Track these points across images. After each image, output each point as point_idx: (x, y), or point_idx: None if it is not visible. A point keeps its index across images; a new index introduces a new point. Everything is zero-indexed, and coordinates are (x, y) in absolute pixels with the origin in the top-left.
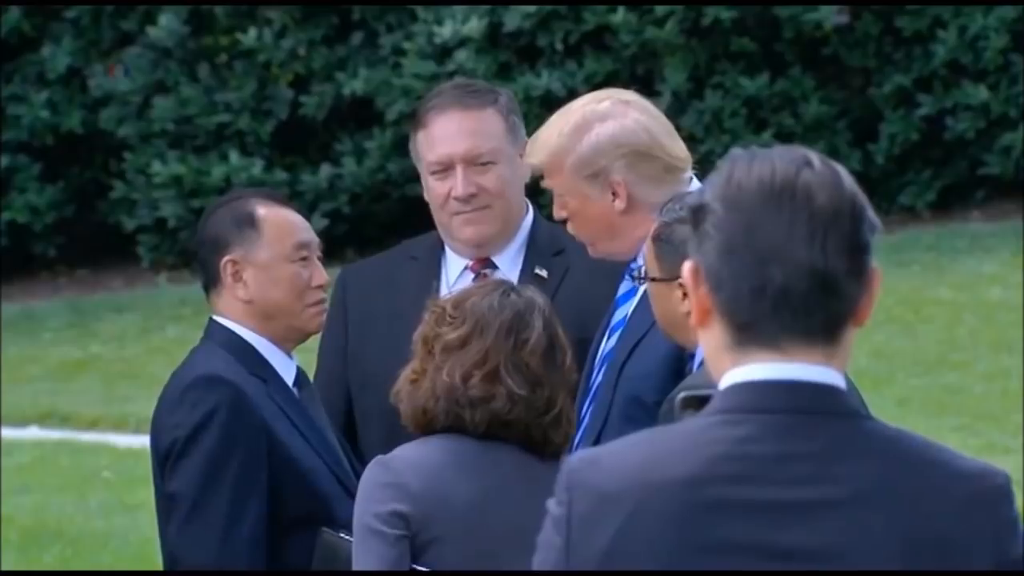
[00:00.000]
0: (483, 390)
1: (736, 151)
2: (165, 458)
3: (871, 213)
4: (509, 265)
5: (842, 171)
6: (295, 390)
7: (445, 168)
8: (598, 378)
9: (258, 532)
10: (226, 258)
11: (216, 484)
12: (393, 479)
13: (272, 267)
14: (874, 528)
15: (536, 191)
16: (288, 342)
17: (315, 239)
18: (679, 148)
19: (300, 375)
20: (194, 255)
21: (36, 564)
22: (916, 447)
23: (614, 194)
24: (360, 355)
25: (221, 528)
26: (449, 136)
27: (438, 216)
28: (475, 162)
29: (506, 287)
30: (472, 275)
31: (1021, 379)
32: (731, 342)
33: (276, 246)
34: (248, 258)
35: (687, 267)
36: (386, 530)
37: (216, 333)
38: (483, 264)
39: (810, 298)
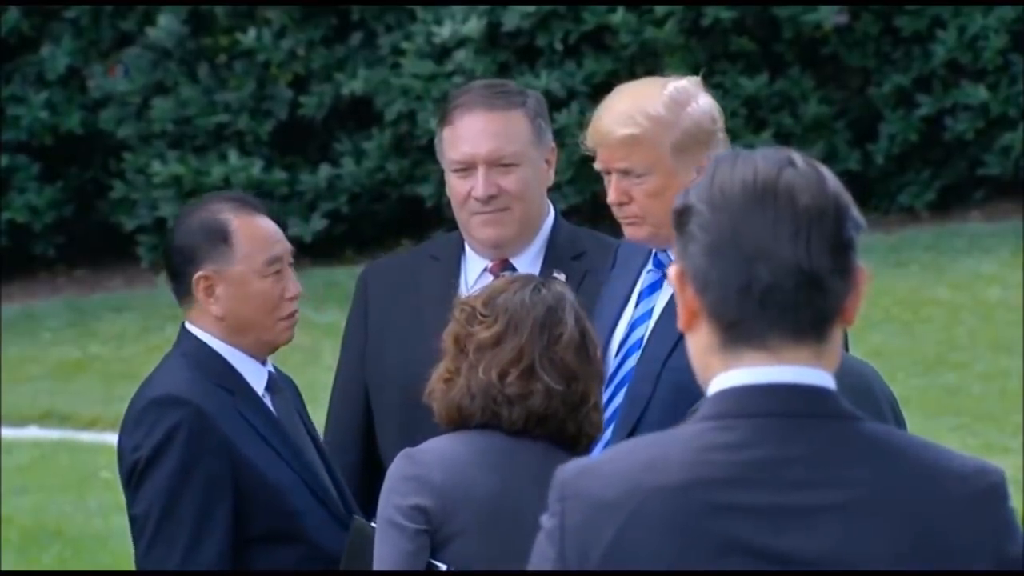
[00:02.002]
0: (520, 387)
1: (719, 154)
2: (127, 481)
3: (855, 211)
4: (527, 268)
5: (825, 171)
6: (268, 396)
7: (467, 167)
8: (622, 368)
9: (222, 553)
10: (199, 273)
11: (177, 507)
12: (417, 472)
13: (244, 283)
14: (872, 531)
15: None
16: (260, 353)
17: (287, 249)
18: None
19: (272, 381)
20: (166, 262)
21: (35, 564)
22: (910, 448)
23: (698, 173)
24: (379, 353)
25: (182, 552)
26: (473, 136)
27: (458, 214)
28: (497, 163)
29: (535, 283)
30: (492, 277)
31: (1020, 379)
32: (719, 343)
33: (248, 262)
34: (220, 273)
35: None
36: (406, 524)
37: (185, 342)
38: (502, 266)
39: (797, 295)
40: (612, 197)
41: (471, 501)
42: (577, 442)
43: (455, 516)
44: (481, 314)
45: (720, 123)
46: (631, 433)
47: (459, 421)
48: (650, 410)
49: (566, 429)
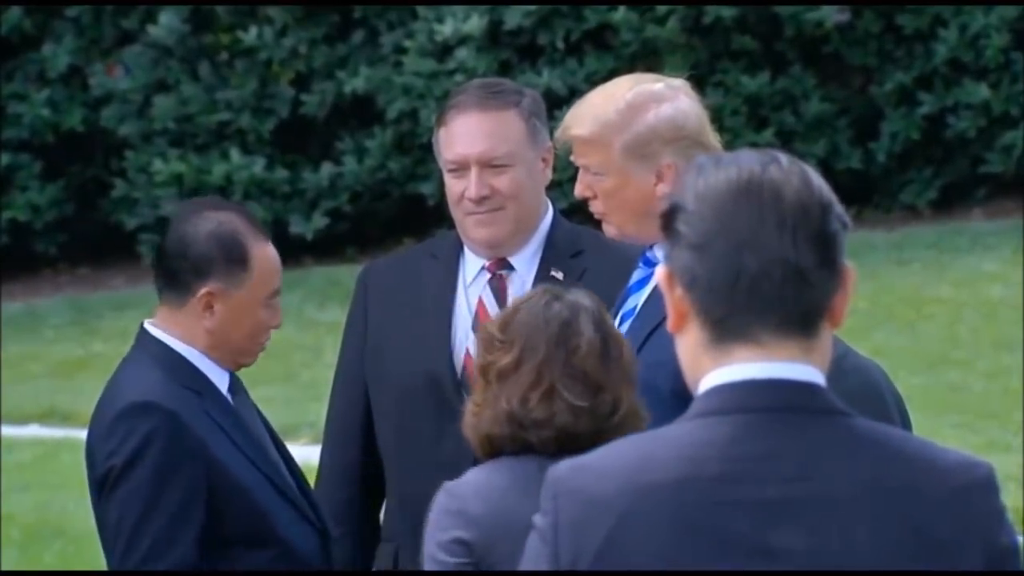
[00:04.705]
0: (543, 411)
1: (701, 157)
2: (100, 487)
3: (840, 209)
4: (525, 266)
5: (810, 169)
6: (230, 396)
7: (460, 168)
8: None
9: (185, 556)
10: (205, 288)
11: (153, 513)
12: (456, 506)
13: (247, 310)
14: (864, 525)
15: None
16: (224, 366)
17: (281, 281)
18: (717, 140)
19: (234, 381)
20: (168, 264)
21: (37, 562)
22: (900, 443)
23: (658, 177)
24: (378, 351)
25: (152, 554)
26: (466, 136)
27: (454, 214)
28: (490, 164)
29: (550, 295)
30: (489, 275)
31: (1022, 377)
32: (709, 340)
33: (257, 291)
34: (227, 293)
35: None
36: (446, 558)
37: (148, 344)
38: (500, 265)
39: (783, 286)
40: (577, 190)
41: (511, 530)
42: None
43: (496, 546)
44: (499, 340)
45: (689, 130)
46: None
47: (491, 451)
48: None
49: (606, 441)
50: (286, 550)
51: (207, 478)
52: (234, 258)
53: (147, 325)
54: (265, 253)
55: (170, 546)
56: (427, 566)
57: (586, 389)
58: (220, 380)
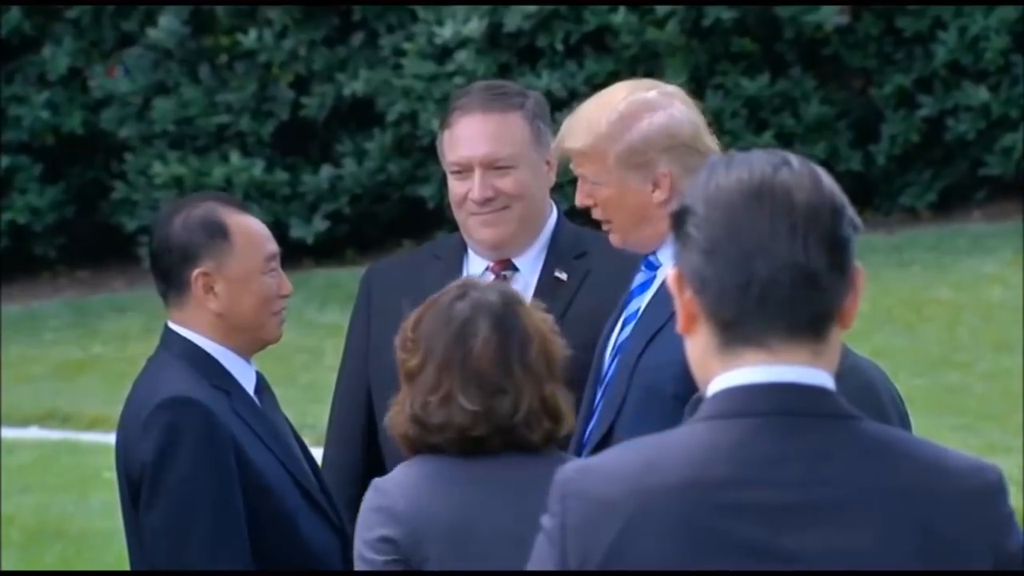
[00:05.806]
0: (443, 416)
1: (713, 158)
2: (136, 486)
3: (851, 212)
4: (529, 267)
5: (821, 171)
6: (255, 398)
7: (464, 170)
8: (611, 368)
9: (244, 551)
10: (198, 271)
11: (196, 512)
12: (382, 502)
13: (245, 280)
14: (871, 529)
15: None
16: (249, 352)
17: (277, 247)
18: (714, 143)
19: (259, 381)
20: (157, 261)
21: (37, 564)
22: (909, 447)
23: (655, 185)
24: (381, 352)
25: (208, 554)
26: (470, 138)
27: (457, 215)
28: (493, 166)
29: (459, 292)
30: (493, 276)
31: (1022, 379)
32: (718, 344)
33: (249, 259)
34: (220, 270)
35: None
36: (374, 556)
37: (174, 343)
38: (504, 265)
39: (794, 292)
40: (577, 199)
41: (434, 524)
42: (538, 448)
43: (422, 542)
44: (409, 340)
45: (684, 137)
46: (606, 435)
47: (410, 448)
48: (623, 412)
49: (513, 438)
50: (307, 550)
51: (240, 475)
52: (214, 233)
53: (172, 324)
54: (245, 221)
55: (222, 539)
56: (357, 565)
57: (481, 392)
58: (246, 379)
